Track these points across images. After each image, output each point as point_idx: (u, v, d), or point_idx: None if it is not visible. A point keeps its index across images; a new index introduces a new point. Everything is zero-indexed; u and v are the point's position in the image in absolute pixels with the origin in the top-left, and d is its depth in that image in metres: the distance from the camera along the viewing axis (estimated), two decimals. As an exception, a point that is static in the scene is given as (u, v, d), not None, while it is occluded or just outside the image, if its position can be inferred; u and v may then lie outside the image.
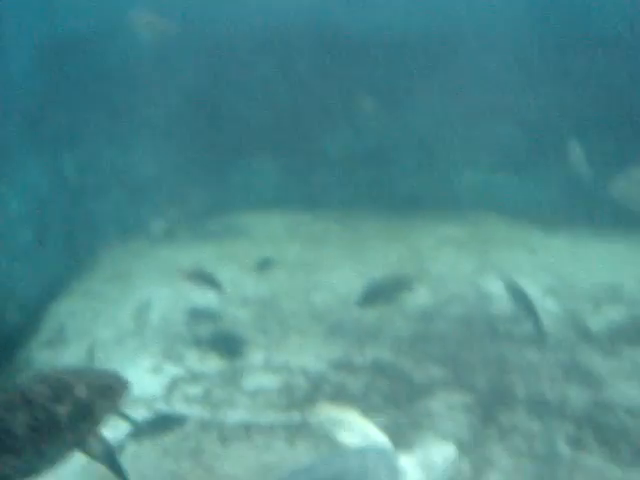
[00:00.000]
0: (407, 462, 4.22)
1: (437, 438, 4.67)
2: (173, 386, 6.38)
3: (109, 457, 4.06)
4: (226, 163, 10.54)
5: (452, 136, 10.31)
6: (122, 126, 10.09)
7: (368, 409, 4.95)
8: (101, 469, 5.15)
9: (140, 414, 5.90)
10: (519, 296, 6.74)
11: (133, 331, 7.58)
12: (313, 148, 10.55)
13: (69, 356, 7.12)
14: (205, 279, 7.46)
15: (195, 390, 6.23)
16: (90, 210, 9.90)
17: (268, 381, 6.25)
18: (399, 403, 5.75)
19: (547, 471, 4.98)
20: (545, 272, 8.42)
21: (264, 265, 8.29)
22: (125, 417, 5.01)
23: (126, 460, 5.22)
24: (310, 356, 6.63)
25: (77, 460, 5.20)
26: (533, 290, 7.85)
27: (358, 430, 4.51)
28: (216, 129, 10.38)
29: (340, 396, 5.77)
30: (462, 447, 5.00)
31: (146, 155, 10.43)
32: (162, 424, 5.57)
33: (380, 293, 6.87)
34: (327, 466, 4.01)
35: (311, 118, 10.35)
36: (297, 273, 8.74)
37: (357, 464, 4.04)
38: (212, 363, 6.67)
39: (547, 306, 7.47)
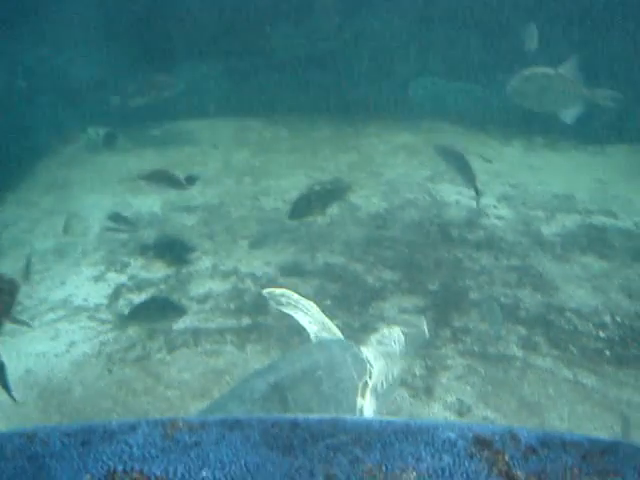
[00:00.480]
0: (367, 352, 4.13)
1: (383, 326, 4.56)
2: (117, 294, 6.11)
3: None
4: (168, 65, 9.90)
5: (408, 41, 9.93)
6: (54, 23, 9.31)
7: (320, 313, 4.76)
8: (43, 376, 4.93)
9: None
10: (457, 159, 6.37)
11: (73, 241, 7.19)
12: (263, 50, 10.00)
13: (5, 268, 6.72)
14: (169, 179, 6.78)
15: (140, 298, 5.96)
16: (21, 115, 9.22)
17: (216, 287, 6.03)
18: (351, 307, 5.62)
19: (499, 372, 4.96)
20: (499, 180, 8.33)
21: (189, 181, 7.37)
22: (18, 321, 4.71)
23: (67, 369, 5.00)
24: (259, 262, 6.42)
25: (16, 372, 4.97)
26: (487, 198, 7.78)
27: (316, 317, 4.35)
28: (158, 29, 9.70)
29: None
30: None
31: (81, 55, 9.71)
32: None
33: (311, 205, 6.39)
34: (294, 363, 3.80)
35: (260, 18, 9.76)
36: (245, 179, 8.42)
37: (323, 357, 3.89)
38: (158, 271, 6.41)
39: (501, 213, 7.40)
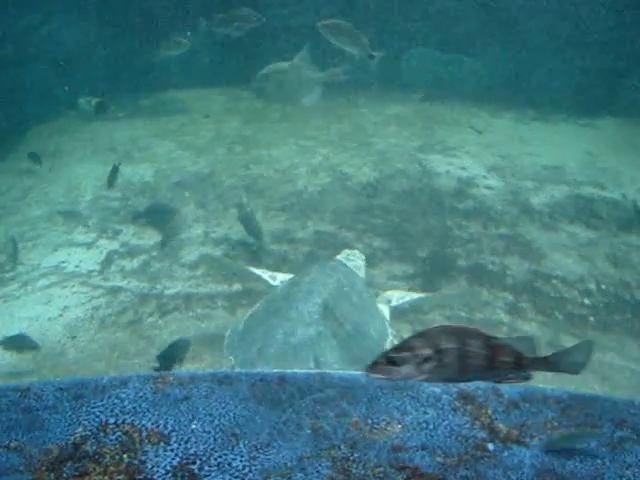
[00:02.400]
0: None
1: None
2: (109, 261, 6.14)
3: None
4: (159, 34, 9.81)
5: (401, 11, 9.87)
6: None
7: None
8: (36, 339, 4.97)
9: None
10: (346, 32, 6.26)
11: (66, 208, 7.21)
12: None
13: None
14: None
15: (132, 264, 6.01)
16: (11, 83, 9.14)
17: (207, 253, 6.07)
18: (341, 274, 5.69)
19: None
20: (490, 151, 8.37)
21: (112, 176, 7.06)
22: None
23: (60, 332, 5.05)
24: (250, 229, 6.47)
25: (9, 334, 5.01)
26: (477, 168, 7.82)
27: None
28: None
29: (281, 266, 5.65)
30: (403, 311, 5.01)
31: (71, 23, 9.61)
32: None
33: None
34: (325, 285, 4.15)
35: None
36: (236, 148, 8.42)
37: (341, 275, 4.33)
38: (149, 238, 6.44)
39: (491, 183, 7.45)
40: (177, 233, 6.47)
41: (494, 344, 2.06)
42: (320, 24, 6.25)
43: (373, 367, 1.99)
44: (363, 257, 5.05)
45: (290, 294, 4.16)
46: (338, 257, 4.97)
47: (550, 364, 2.15)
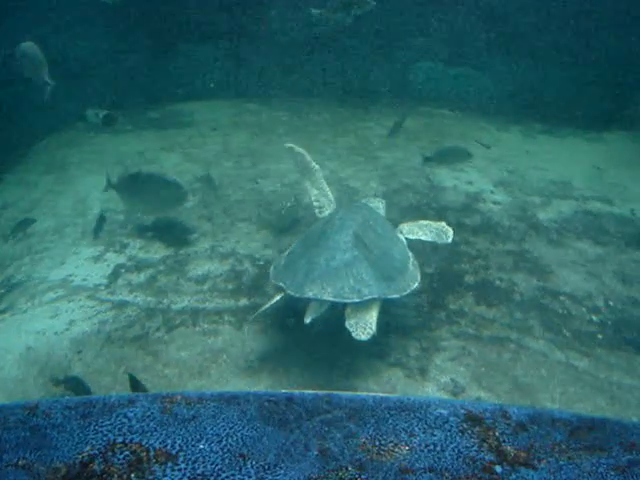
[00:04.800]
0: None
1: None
2: (116, 275, 6.14)
3: None
4: (166, 48, 9.88)
5: (409, 25, 9.92)
6: (52, 3, 9.27)
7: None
8: (43, 354, 4.98)
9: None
10: None
11: (73, 221, 7.24)
12: (260, 32, 9.98)
13: (6, 248, 6.77)
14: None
15: (139, 278, 6.02)
16: (20, 96, 9.20)
17: (214, 268, 6.08)
18: (349, 289, 5.67)
19: (493, 354, 5.02)
20: (497, 166, 8.37)
21: (21, 226, 7.00)
22: None
23: (66, 346, 5.05)
24: (258, 243, 6.47)
25: (16, 349, 5.03)
26: (485, 183, 7.82)
27: (318, 183, 5.76)
28: (158, 11, 9.67)
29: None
30: (410, 330, 5.00)
31: (80, 37, 9.68)
32: None
33: None
34: (354, 219, 5.00)
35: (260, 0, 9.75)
36: (244, 162, 8.45)
37: (366, 211, 5.27)
38: (156, 252, 6.44)
39: (498, 198, 7.44)
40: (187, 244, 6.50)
41: None
42: None
43: None
44: (382, 200, 6.04)
45: (325, 230, 4.96)
46: (362, 200, 6.01)
47: None
